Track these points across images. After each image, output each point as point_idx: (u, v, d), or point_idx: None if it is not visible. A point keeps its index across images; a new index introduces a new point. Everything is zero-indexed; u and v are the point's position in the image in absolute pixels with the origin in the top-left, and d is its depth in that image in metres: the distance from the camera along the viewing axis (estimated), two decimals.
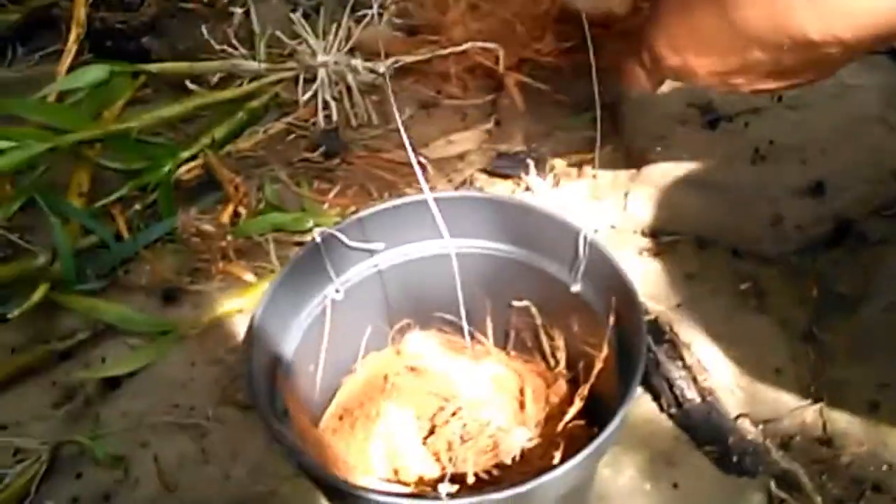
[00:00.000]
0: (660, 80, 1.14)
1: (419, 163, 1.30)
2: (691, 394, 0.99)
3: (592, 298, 0.89)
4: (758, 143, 1.29)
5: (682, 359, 1.02)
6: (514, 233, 0.94)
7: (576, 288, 0.90)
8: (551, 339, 0.94)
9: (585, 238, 0.87)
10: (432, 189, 0.94)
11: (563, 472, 0.70)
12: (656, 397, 1.02)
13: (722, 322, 1.09)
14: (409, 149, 0.89)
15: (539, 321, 0.95)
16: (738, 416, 0.99)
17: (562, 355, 0.94)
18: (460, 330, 0.97)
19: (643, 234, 1.21)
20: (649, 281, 1.14)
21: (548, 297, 0.93)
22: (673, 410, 1.00)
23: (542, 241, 0.92)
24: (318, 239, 0.92)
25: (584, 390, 0.86)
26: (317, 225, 1.19)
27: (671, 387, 1.00)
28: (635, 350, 0.79)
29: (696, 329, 1.08)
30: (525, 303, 0.95)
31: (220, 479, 1.00)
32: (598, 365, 0.85)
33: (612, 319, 0.84)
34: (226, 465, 1.02)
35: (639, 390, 1.01)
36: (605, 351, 0.85)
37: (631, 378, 0.76)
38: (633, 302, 0.82)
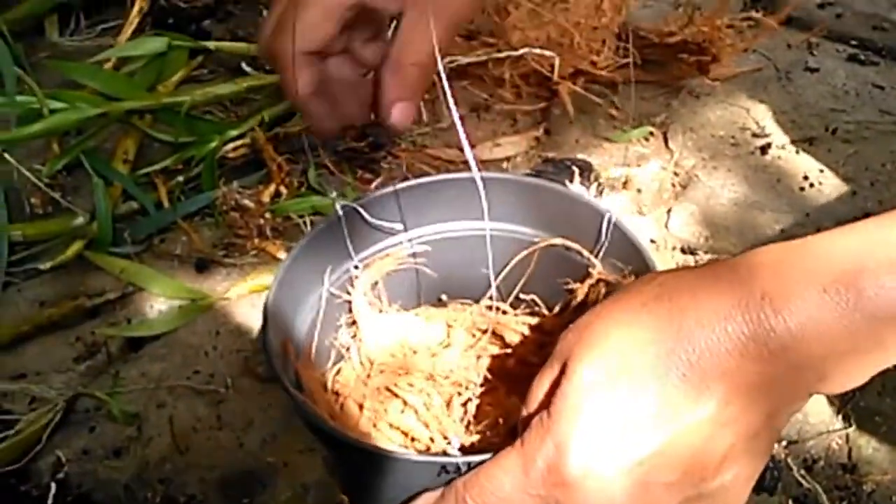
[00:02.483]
0: None
1: (464, 160, 1.30)
2: None
3: (614, 278, 0.89)
4: (808, 171, 1.28)
5: None
6: (538, 215, 0.94)
7: (598, 268, 0.89)
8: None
9: (610, 219, 0.87)
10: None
11: None
12: None
13: None
14: (461, 130, 0.89)
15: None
16: None
17: None
18: (480, 311, 0.97)
19: (683, 251, 1.19)
20: None
21: (570, 278, 0.92)
22: None
23: (566, 223, 0.92)
24: (340, 212, 0.92)
25: None
26: None
27: None
28: None
29: None
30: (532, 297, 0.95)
31: (232, 446, 1.00)
32: None
33: None
34: (239, 433, 1.01)
35: None
36: None
37: None
38: None
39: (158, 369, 1.08)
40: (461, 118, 1.34)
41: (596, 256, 0.90)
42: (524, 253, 0.94)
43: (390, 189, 0.96)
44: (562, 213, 0.94)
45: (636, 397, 0.61)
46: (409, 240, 0.97)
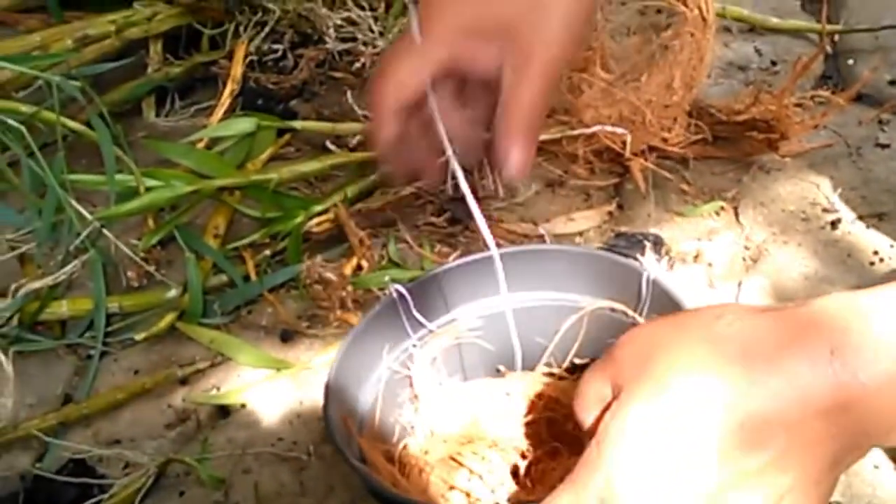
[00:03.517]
0: None
1: (539, 235, 1.35)
2: None
3: None
4: (878, 247, 1.30)
5: None
6: (583, 281, 0.99)
7: None
8: None
9: (649, 278, 0.91)
10: None
11: None
12: None
13: None
14: (470, 198, 0.93)
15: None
16: None
17: None
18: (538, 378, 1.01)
19: None
20: None
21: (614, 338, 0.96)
22: None
23: (609, 285, 0.96)
24: (394, 294, 0.97)
25: None
26: None
27: None
28: None
29: None
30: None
31: None
32: None
33: None
34: (321, 499, 1.06)
35: None
36: None
37: None
38: None
39: (245, 436, 1.13)
40: (536, 193, 1.39)
41: (640, 314, 0.94)
42: (574, 318, 0.98)
43: (441, 268, 1.01)
44: (604, 276, 0.98)
45: (693, 440, 0.62)
46: (464, 315, 1.02)
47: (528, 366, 1.03)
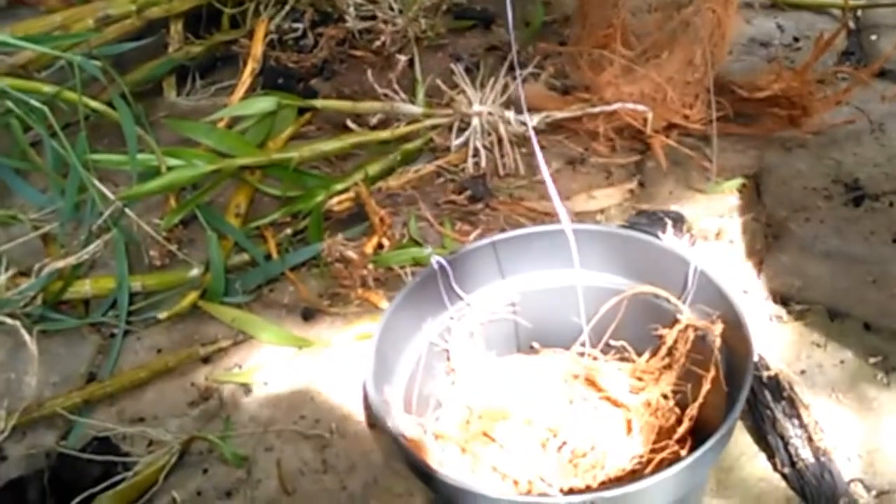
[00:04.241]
0: None
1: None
2: (806, 453, 0.99)
3: (703, 324, 0.93)
4: None
5: (799, 417, 1.02)
6: (626, 264, 0.99)
7: (687, 314, 0.93)
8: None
9: (696, 269, 0.91)
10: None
11: (671, 475, 0.74)
12: (770, 456, 1.02)
13: (846, 391, 1.09)
14: (550, 183, 0.93)
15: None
16: (851, 481, 0.99)
17: (669, 378, 0.96)
18: (573, 358, 1.01)
19: (774, 300, 1.22)
20: (776, 345, 1.15)
21: (658, 325, 0.97)
22: (786, 470, 1.00)
23: (654, 271, 0.96)
24: (435, 266, 0.97)
25: (693, 410, 0.89)
26: None
27: (786, 444, 1.00)
28: (743, 369, 0.82)
29: (818, 394, 1.08)
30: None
31: (336, 489, 1.05)
32: (706, 385, 0.88)
33: (718, 342, 0.88)
34: (343, 476, 1.06)
35: (753, 447, 1.02)
36: (713, 372, 0.87)
37: (738, 393, 0.79)
38: (740, 324, 0.85)
39: (267, 414, 1.13)
40: (557, 171, 1.39)
41: (683, 303, 0.94)
42: (614, 301, 0.98)
43: (485, 242, 1.02)
44: (649, 262, 0.99)
45: None
46: (503, 290, 1.03)
47: (564, 345, 1.03)
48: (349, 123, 1.50)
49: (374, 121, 1.50)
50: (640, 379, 1.00)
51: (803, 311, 1.19)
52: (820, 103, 1.41)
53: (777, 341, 1.16)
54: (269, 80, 1.61)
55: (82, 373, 1.22)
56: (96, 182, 1.27)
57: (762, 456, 1.03)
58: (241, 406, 1.15)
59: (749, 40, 1.66)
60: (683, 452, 0.91)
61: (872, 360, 1.13)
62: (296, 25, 1.70)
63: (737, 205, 1.35)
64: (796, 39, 1.65)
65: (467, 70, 1.57)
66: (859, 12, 1.70)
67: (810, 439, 1.00)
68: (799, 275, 1.24)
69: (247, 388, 1.17)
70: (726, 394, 0.90)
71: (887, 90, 1.52)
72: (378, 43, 1.67)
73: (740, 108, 1.43)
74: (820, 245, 1.28)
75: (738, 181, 1.38)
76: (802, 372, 1.11)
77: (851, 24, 1.63)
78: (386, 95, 1.51)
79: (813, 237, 1.29)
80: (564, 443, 0.95)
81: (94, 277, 1.29)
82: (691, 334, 0.96)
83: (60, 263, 1.23)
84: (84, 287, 1.27)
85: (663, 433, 0.95)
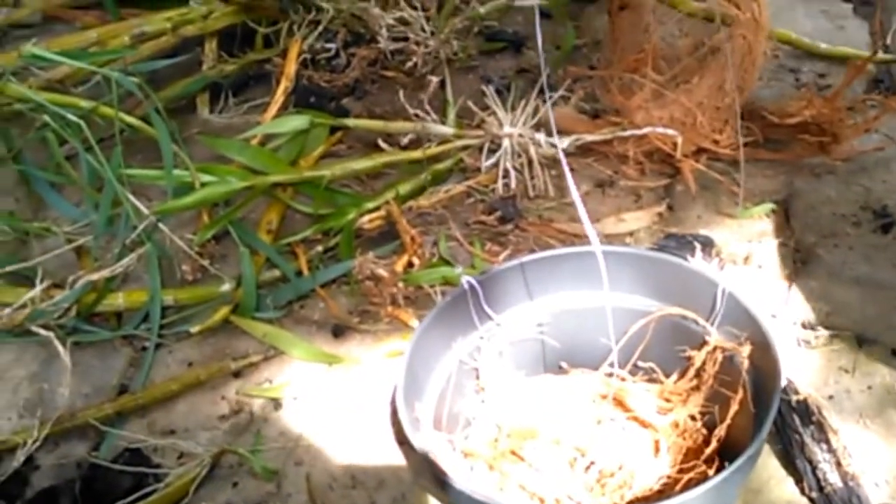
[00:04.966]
0: None
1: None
2: (834, 477, 0.99)
3: (731, 345, 0.93)
4: None
5: (827, 442, 1.02)
6: (655, 286, 1.00)
7: (713, 336, 0.94)
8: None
9: (724, 291, 0.92)
10: None
11: (698, 495, 0.75)
12: (798, 480, 1.02)
13: (873, 417, 1.09)
14: (580, 205, 0.94)
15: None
16: None
17: (697, 399, 0.97)
18: (601, 378, 1.02)
19: (803, 326, 1.22)
20: (804, 370, 1.15)
21: (686, 346, 0.97)
22: (814, 494, 1.00)
23: (682, 293, 0.97)
24: (465, 286, 0.98)
25: (721, 431, 0.89)
26: None
27: (814, 469, 1.00)
28: (771, 389, 0.83)
29: (846, 420, 1.08)
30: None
31: None
32: (734, 407, 0.88)
33: (746, 363, 0.88)
34: (372, 492, 1.07)
35: (781, 471, 1.03)
36: (740, 393, 0.88)
37: (765, 415, 0.80)
38: (768, 346, 0.86)
39: (297, 428, 1.14)
40: (586, 193, 1.40)
41: (711, 325, 0.95)
42: (642, 322, 0.99)
43: (514, 262, 1.03)
44: (677, 284, 1.00)
45: None
46: (532, 311, 1.04)
47: (592, 365, 1.04)
48: (380, 143, 1.52)
49: (405, 141, 1.51)
50: (667, 400, 1.01)
51: (831, 337, 1.20)
52: (849, 130, 1.41)
53: (805, 366, 1.16)
54: (301, 98, 1.63)
55: (114, 385, 1.23)
56: (130, 196, 1.28)
57: (790, 480, 1.03)
58: (271, 420, 1.16)
59: (778, 66, 1.67)
60: (711, 473, 0.92)
61: None
62: (328, 45, 1.72)
63: (766, 230, 1.36)
64: (822, 75, 1.66)
65: (498, 92, 1.58)
66: (889, 40, 1.70)
67: (839, 464, 1.00)
68: (827, 300, 1.24)
69: (277, 403, 1.18)
70: (754, 415, 0.91)
71: None
72: (410, 64, 1.69)
73: (770, 134, 1.44)
74: (848, 271, 1.28)
75: (767, 206, 1.39)
76: (830, 397, 1.12)
77: (881, 53, 1.64)
78: (417, 116, 1.52)
79: (841, 263, 1.29)
80: (592, 462, 0.96)
81: (127, 291, 1.30)
82: (719, 356, 0.97)
83: (94, 276, 1.24)
84: (117, 300, 1.29)
85: (691, 454, 0.96)
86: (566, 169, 1.02)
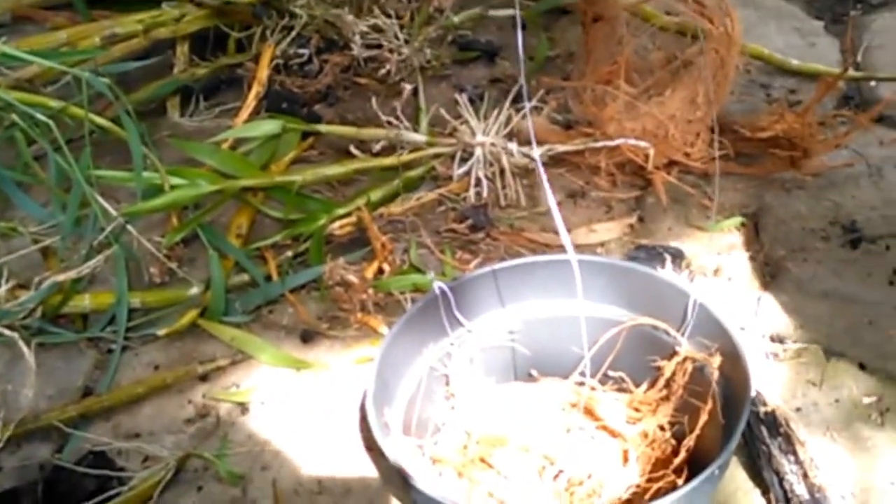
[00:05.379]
0: None
1: (560, 245, 1.36)
2: (800, 489, 0.99)
3: (701, 356, 0.94)
4: None
5: (795, 454, 1.02)
6: (627, 296, 1.00)
7: (684, 346, 0.94)
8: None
9: (695, 302, 0.92)
10: None
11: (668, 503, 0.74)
12: (765, 491, 1.03)
13: (840, 430, 1.09)
14: (557, 215, 0.94)
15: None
16: None
17: (666, 409, 0.97)
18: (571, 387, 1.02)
19: (772, 338, 1.22)
20: (772, 383, 1.15)
21: (657, 356, 0.97)
22: None
23: (653, 304, 0.97)
24: (437, 291, 0.98)
25: (690, 441, 0.89)
26: None
27: (781, 480, 1.00)
28: (740, 401, 0.83)
29: (814, 432, 1.08)
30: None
31: None
32: (704, 417, 0.88)
33: (716, 374, 0.88)
34: (338, 499, 1.06)
35: (749, 483, 1.03)
36: (710, 404, 0.88)
37: (734, 425, 0.80)
38: (738, 357, 0.86)
39: (264, 433, 1.13)
40: (558, 203, 1.40)
41: (682, 335, 0.95)
42: (613, 331, 0.99)
43: (486, 270, 1.03)
44: (649, 294, 1.00)
45: None
46: (503, 318, 1.03)
47: (562, 374, 1.04)
48: (352, 149, 1.51)
49: (377, 147, 1.51)
50: (637, 409, 1.01)
51: (800, 350, 1.20)
52: (820, 146, 1.42)
53: (773, 378, 1.16)
54: (273, 104, 1.62)
55: (79, 386, 1.22)
56: (99, 198, 1.27)
57: (757, 491, 1.03)
58: (238, 425, 1.15)
59: (750, 81, 1.68)
60: (680, 483, 0.92)
61: (867, 400, 1.14)
62: (301, 51, 1.71)
63: (736, 243, 1.36)
64: (793, 91, 1.67)
65: (471, 101, 1.58)
66: (859, 57, 1.72)
67: (805, 476, 1.01)
68: (796, 314, 1.25)
69: (244, 408, 1.17)
70: (723, 426, 0.91)
71: (885, 135, 1.54)
72: (383, 71, 1.69)
73: (741, 148, 1.44)
74: (817, 285, 1.29)
75: (737, 220, 1.39)
76: (798, 410, 1.12)
77: (851, 70, 1.65)
78: (390, 123, 1.52)
79: (810, 277, 1.30)
80: (561, 471, 0.96)
81: (94, 292, 1.29)
82: (689, 366, 0.97)
83: (60, 277, 1.23)
84: (83, 301, 1.27)
85: (660, 464, 0.96)
86: (544, 178, 1.02)
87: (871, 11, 1.90)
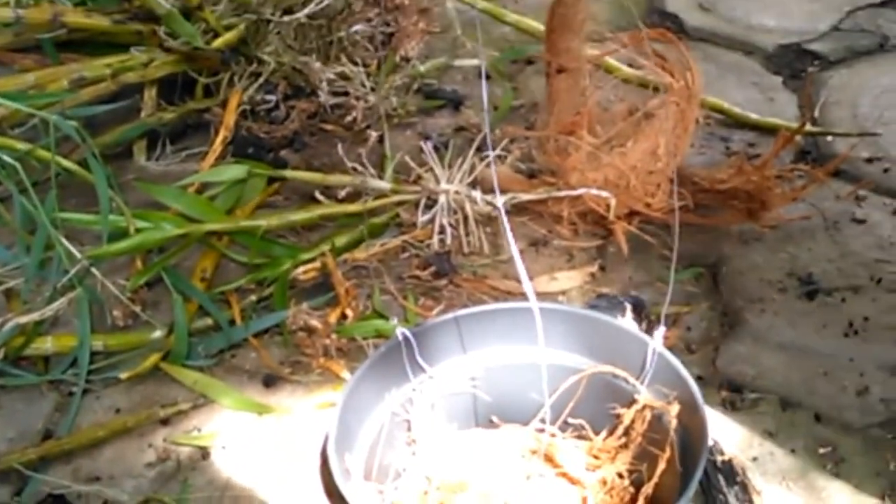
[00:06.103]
0: None
1: (522, 292, 1.37)
2: None
3: (660, 404, 0.95)
4: (853, 318, 1.32)
5: (751, 502, 1.04)
6: (586, 344, 1.01)
7: (642, 394, 0.95)
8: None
9: (654, 351, 0.93)
10: None
11: None
12: None
13: (796, 479, 1.11)
14: (519, 263, 0.95)
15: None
16: None
17: (625, 457, 0.98)
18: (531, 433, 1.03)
19: (728, 388, 1.24)
20: (729, 432, 1.17)
21: (616, 404, 0.99)
22: None
23: (613, 352, 0.99)
24: (400, 337, 0.99)
25: (648, 489, 0.91)
26: None
27: None
28: (697, 449, 0.84)
29: (770, 482, 1.10)
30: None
31: None
32: (662, 465, 0.89)
33: (674, 422, 0.90)
34: None
35: None
36: (668, 452, 0.89)
37: (692, 473, 0.81)
38: (696, 406, 0.87)
39: (225, 478, 1.13)
40: (520, 251, 1.41)
41: (641, 384, 0.97)
42: (574, 379, 1.00)
43: (449, 316, 1.04)
44: (609, 342, 1.02)
45: None
46: (465, 364, 1.05)
47: (523, 420, 1.05)
48: (318, 195, 1.52)
49: (342, 194, 1.52)
50: (596, 457, 1.02)
51: (756, 400, 1.22)
52: (777, 198, 1.45)
53: (730, 428, 1.18)
54: (239, 149, 1.63)
55: (39, 429, 1.21)
56: (63, 240, 1.27)
57: None
58: (199, 469, 1.15)
59: (710, 134, 1.71)
60: None
61: (822, 450, 1.15)
62: (268, 97, 1.72)
63: (694, 293, 1.38)
64: (752, 144, 1.70)
65: (436, 149, 1.60)
66: (816, 113, 1.76)
67: None
68: (753, 364, 1.27)
69: (205, 452, 1.17)
70: (680, 474, 0.92)
71: (841, 189, 1.57)
72: (349, 118, 1.70)
73: (700, 200, 1.46)
74: (774, 336, 1.31)
75: (696, 270, 1.41)
76: (754, 459, 1.14)
77: (808, 125, 1.69)
78: (355, 169, 1.53)
79: (767, 328, 1.32)
80: None
81: (56, 335, 1.29)
82: (648, 414, 0.98)
83: (23, 319, 1.23)
84: (45, 344, 1.27)
85: None
86: (506, 226, 1.04)
87: (829, 68, 1.94)
